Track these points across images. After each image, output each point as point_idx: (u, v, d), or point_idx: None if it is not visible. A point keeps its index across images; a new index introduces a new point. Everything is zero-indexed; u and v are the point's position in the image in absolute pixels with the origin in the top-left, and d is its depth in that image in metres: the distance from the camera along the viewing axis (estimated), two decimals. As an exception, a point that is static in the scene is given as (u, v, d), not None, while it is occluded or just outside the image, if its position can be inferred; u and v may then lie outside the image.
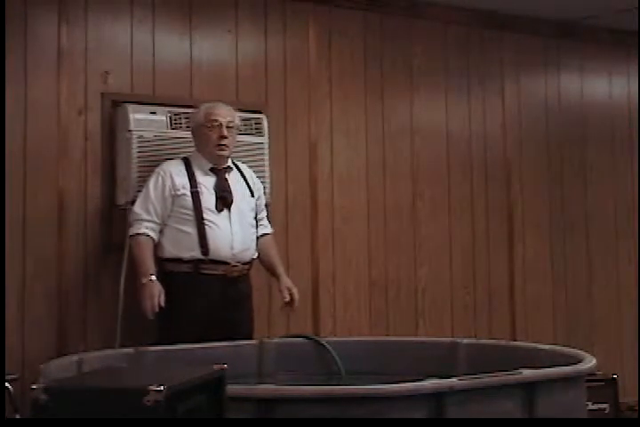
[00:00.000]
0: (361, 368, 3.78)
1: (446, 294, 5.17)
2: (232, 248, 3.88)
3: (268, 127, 4.46)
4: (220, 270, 3.87)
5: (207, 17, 4.53)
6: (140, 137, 4.07)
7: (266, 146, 4.43)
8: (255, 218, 4.07)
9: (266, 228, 4.17)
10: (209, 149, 3.94)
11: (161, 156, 4.08)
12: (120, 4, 4.30)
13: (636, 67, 5.89)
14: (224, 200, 3.91)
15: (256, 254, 4.04)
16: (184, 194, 3.87)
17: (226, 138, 3.92)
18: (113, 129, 4.18)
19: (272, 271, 4.14)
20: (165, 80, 4.37)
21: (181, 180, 3.89)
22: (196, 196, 3.87)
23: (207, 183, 3.93)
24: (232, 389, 2.30)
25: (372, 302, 4.93)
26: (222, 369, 2.24)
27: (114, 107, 4.19)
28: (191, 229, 3.85)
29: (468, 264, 5.25)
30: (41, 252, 4.04)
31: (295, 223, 4.72)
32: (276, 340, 3.96)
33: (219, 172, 3.97)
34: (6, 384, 3.37)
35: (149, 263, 3.81)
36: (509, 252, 5.40)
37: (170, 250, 3.87)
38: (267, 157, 4.42)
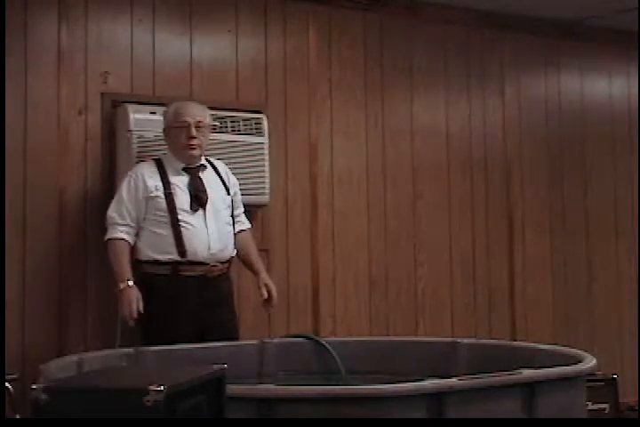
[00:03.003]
0: (361, 368, 3.78)
1: (446, 294, 5.17)
2: (210, 248, 3.82)
3: (268, 127, 4.47)
4: (198, 271, 3.82)
5: (207, 17, 4.53)
6: (140, 137, 4.07)
7: (266, 146, 4.43)
8: (232, 215, 4.01)
9: (243, 224, 4.11)
10: (179, 149, 3.88)
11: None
12: (120, 4, 4.30)
13: (636, 67, 5.90)
14: (199, 200, 3.85)
15: (235, 252, 3.99)
16: (157, 196, 3.81)
17: (195, 138, 3.85)
18: (113, 129, 4.18)
19: (250, 268, 4.08)
20: (165, 80, 4.37)
21: (154, 181, 3.83)
22: (169, 197, 3.81)
23: (180, 183, 3.86)
24: (232, 389, 2.30)
25: (372, 302, 4.93)
26: (222, 369, 2.23)
27: (114, 107, 4.19)
28: (167, 231, 3.79)
29: (468, 264, 5.25)
30: (41, 252, 4.04)
31: (295, 223, 4.72)
32: (276, 340, 3.96)
33: (192, 171, 3.91)
34: (6, 384, 3.36)
35: (126, 268, 3.75)
36: (509, 252, 5.40)
37: (147, 253, 3.81)
38: (267, 157, 4.42)
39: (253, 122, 4.41)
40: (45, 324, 4.02)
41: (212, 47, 4.57)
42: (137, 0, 4.34)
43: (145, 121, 4.07)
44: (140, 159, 4.03)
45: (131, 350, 3.54)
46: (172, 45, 4.43)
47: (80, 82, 4.17)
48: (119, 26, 4.30)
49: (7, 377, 3.38)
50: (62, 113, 4.12)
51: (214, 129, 4.22)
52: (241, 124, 4.35)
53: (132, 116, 4.10)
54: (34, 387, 1.94)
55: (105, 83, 4.22)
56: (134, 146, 4.07)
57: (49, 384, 1.99)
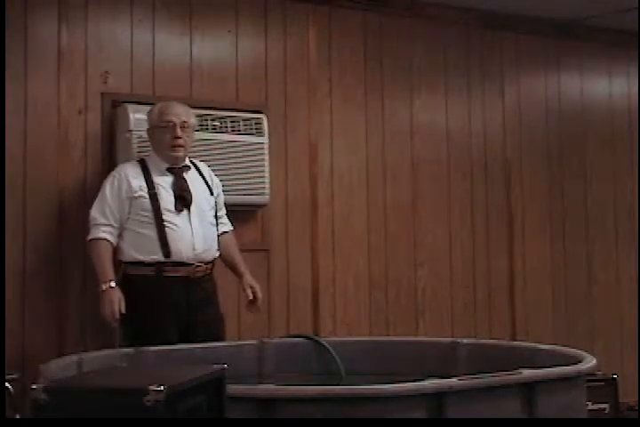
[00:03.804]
0: (361, 368, 3.78)
1: (446, 293, 5.17)
2: (194, 249, 3.80)
3: (268, 127, 4.47)
4: (183, 272, 3.79)
5: (207, 17, 4.53)
6: (140, 137, 4.07)
7: (266, 146, 4.43)
8: (215, 216, 3.99)
9: (225, 225, 4.08)
10: (163, 149, 3.86)
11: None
12: (120, 4, 4.30)
13: (636, 67, 5.90)
14: (183, 200, 3.83)
15: (218, 253, 3.97)
16: (142, 196, 3.79)
17: (179, 138, 3.83)
18: (113, 129, 4.18)
19: (234, 270, 4.06)
20: (165, 80, 4.37)
21: (138, 182, 3.81)
22: (154, 197, 3.79)
23: (165, 184, 3.84)
24: (232, 389, 2.30)
25: (372, 302, 4.93)
26: (222, 369, 2.24)
27: (114, 107, 4.19)
28: (151, 232, 3.76)
29: (468, 264, 5.25)
30: (41, 252, 4.04)
31: (295, 223, 4.72)
32: (276, 340, 3.96)
33: (176, 171, 3.89)
34: (6, 384, 3.36)
35: (108, 269, 3.73)
36: (509, 252, 5.40)
37: (131, 253, 3.79)
38: (267, 157, 4.42)
39: (253, 122, 4.41)
40: (45, 324, 4.02)
41: (212, 47, 4.57)
42: (137, 0, 4.34)
43: (145, 121, 4.06)
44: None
45: (131, 350, 3.54)
46: (172, 45, 4.43)
47: (80, 82, 4.17)
48: (119, 26, 4.30)
49: (7, 377, 3.38)
50: (62, 113, 4.12)
51: (214, 129, 4.21)
52: (241, 124, 4.35)
53: (131, 116, 4.09)
54: (34, 387, 1.94)
55: (105, 83, 4.22)
56: (134, 146, 4.07)
57: (49, 384, 1.99)
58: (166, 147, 3.85)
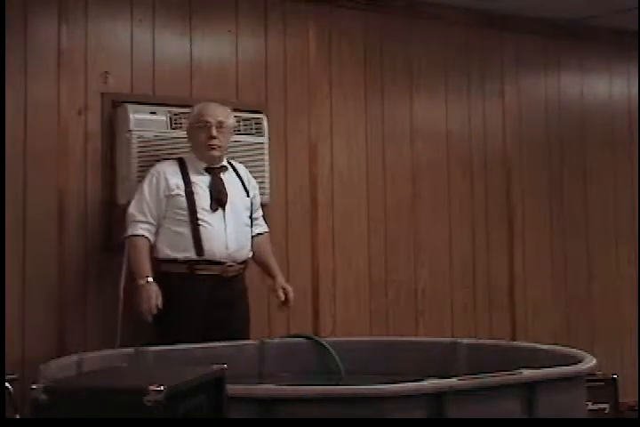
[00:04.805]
0: (361, 368, 3.79)
1: (446, 293, 5.17)
2: (227, 248, 3.86)
3: (268, 127, 4.47)
4: (215, 271, 3.85)
5: (207, 17, 4.53)
6: (140, 137, 4.07)
7: (266, 146, 4.43)
8: (250, 217, 4.04)
9: (261, 227, 4.14)
10: (200, 149, 3.93)
11: (161, 156, 4.08)
12: (120, 4, 4.30)
13: (636, 67, 5.90)
14: (219, 200, 3.89)
15: (251, 254, 4.02)
16: (178, 194, 3.85)
17: (215, 138, 3.89)
18: (113, 129, 4.18)
19: (267, 271, 4.12)
20: (165, 80, 4.37)
21: (176, 180, 3.87)
22: (190, 196, 3.85)
23: (202, 183, 3.91)
24: (232, 389, 2.30)
25: (372, 302, 4.93)
26: (222, 369, 2.24)
27: (114, 107, 4.19)
28: (185, 230, 3.82)
29: (467, 264, 5.25)
30: (41, 252, 4.04)
31: (295, 223, 4.72)
32: (276, 340, 3.96)
33: (213, 171, 3.96)
34: (6, 384, 3.36)
35: (146, 265, 3.79)
36: (509, 252, 5.40)
37: (165, 251, 3.85)
38: (267, 157, 4.42)
39: (253, 122, 4.41)
40: (45, 324, 4.02)
41: (212, 47, 4.56)
42: (137, 0, 4.34)
43: (145, 121, 4.07)
44: (140, 159, 4.04)
45: (131, 350, 3.54)
46: (172, 45, 4.43)
47: (80, 82, 4.17)
48: (119, 26, 4.29)
49: (7, 377, 3.38)
50: (62, 113, 4.12)
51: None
52: (241, 124, 4.35)
53: (131, 116, 4.09)
54: (34, 387, 1.94)
55: (105, 83, 4.22)
56: (134, 146, 4.07)
57: (49, 384, 1.99)
58: (202, 146, 3.91)
